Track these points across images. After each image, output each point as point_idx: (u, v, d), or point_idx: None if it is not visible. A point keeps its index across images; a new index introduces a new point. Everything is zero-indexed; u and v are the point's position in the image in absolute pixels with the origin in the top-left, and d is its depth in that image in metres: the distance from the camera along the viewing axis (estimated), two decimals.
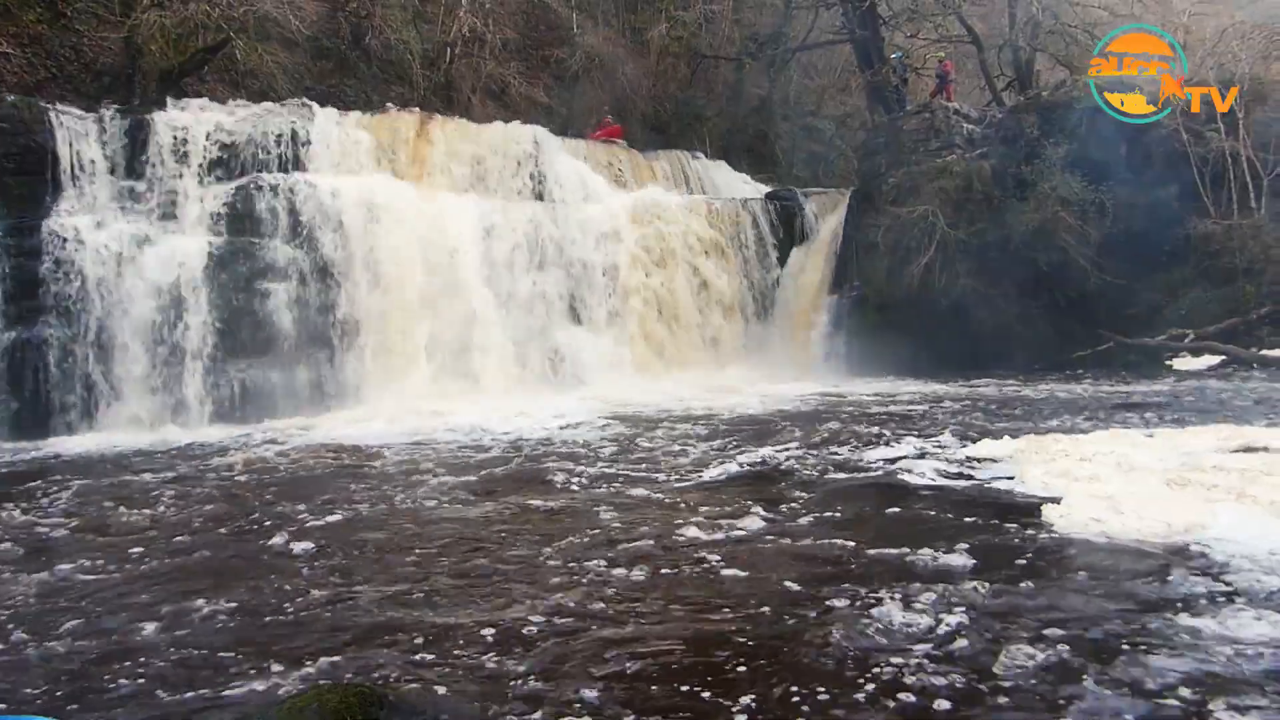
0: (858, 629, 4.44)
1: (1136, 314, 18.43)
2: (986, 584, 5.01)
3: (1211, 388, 14.51)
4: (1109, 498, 6.54)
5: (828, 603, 4.84)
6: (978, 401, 13.96)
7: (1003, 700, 3.72)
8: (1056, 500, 6.64)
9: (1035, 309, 18.27)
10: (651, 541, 6.21)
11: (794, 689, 3.87)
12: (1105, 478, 7.30)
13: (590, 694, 3.88)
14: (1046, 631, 4.32)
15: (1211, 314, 18.10)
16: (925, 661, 4.07)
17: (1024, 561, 5.49)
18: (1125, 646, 4.15)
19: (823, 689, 3.86)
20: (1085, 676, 3.87)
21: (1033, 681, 3.85)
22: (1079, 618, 4.51)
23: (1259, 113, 18.98)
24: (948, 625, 4.44)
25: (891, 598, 4.81)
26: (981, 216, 18.61)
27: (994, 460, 8.60)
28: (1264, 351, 17.34)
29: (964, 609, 4.63)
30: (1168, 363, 17.85)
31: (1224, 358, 17.38)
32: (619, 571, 5.56)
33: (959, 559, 5.52)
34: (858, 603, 4.80)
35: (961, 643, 4.23)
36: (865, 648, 4.25)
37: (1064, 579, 5.17)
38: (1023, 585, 5.01)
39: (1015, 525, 6.28)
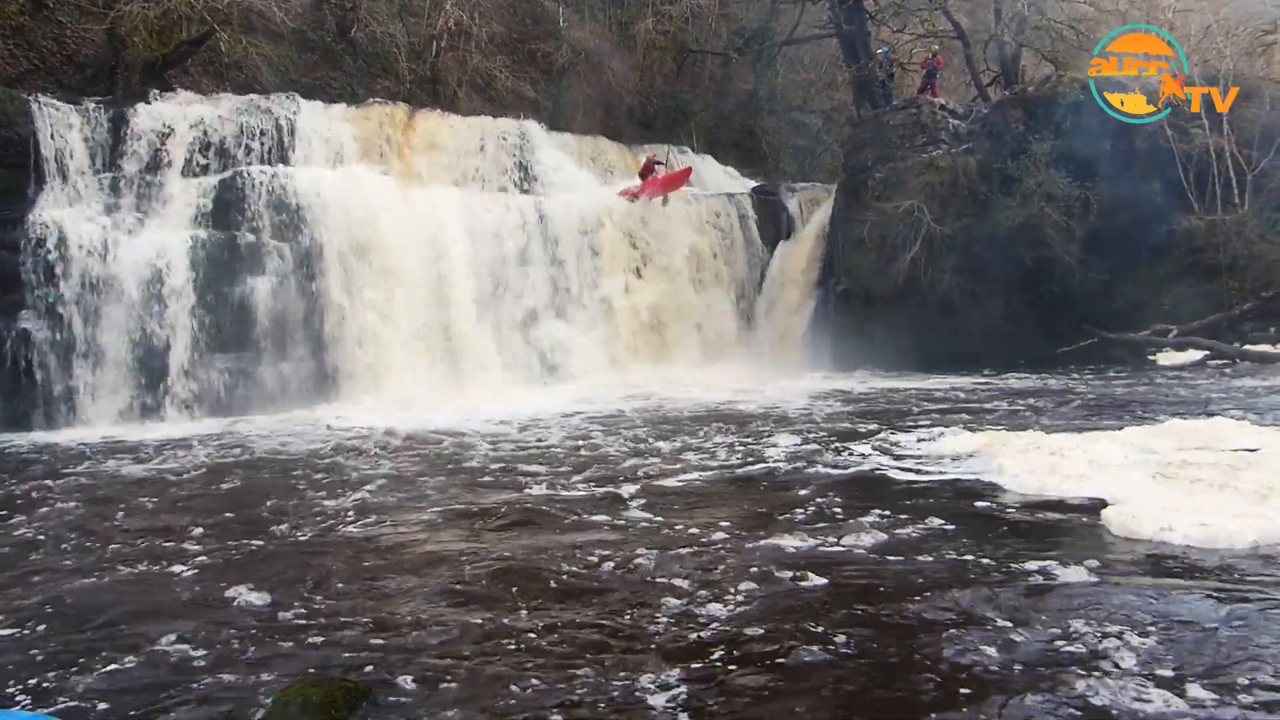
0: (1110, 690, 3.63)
1: (1121, 309, 18.55)
2: (1193, 627, 4.23)
3: (1191, 382, 14.60)
4: (1170, 502, 6.24)
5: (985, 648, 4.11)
6: (962, 397, 14.02)
7: None
8: (1105, 502, 6.43)
9: (1020, 304, 18.35)
10: (653, 549, 6.03)
11: None
12: (1091, 474, 7.32)
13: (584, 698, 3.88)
14: None
15: (1195, 309, 18.24)
16: None
17: (1158, 580, 4.88)
18: None
19: None
20: None
21: None
22: None
23: (1243, 109, 19.09)
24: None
25: (1068, 634, 4.18)
26: (967, 212, 18.66)
27: (961, 455, 8.64)
28: (1247, 346, 17.50)
29: (1195, 662, 3.87)
30: (1151, 358, 17.98)
31: (1207, 353, 17.52)
32: (647, 578, 5.29)
33: (1076, 573, 4.99)
34: (1051, 645, 4.11)
35: None
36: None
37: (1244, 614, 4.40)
38: (1208, 631, 4.19)
39: (1090, 531, 5.97)
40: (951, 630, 4.30)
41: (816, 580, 5.09)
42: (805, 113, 28.74)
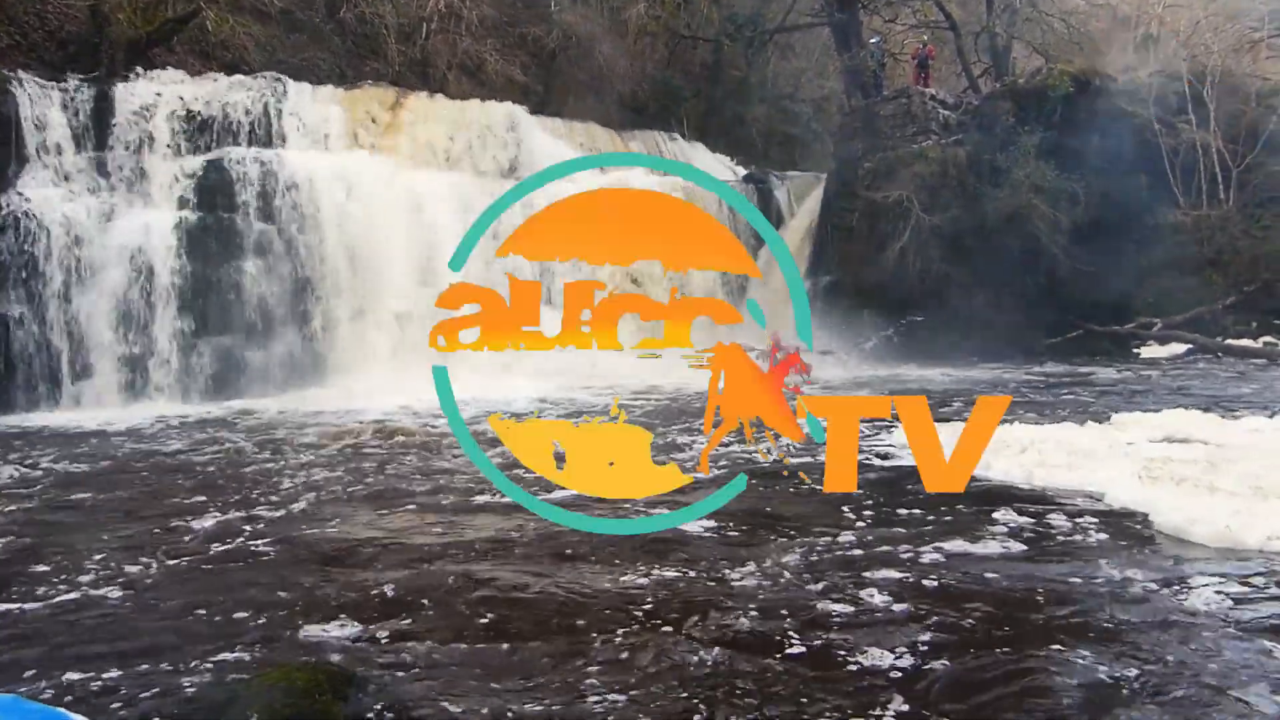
0: None
1: (1107, 302, 18.65)
2: None
3: (1173, 375, 14.70)
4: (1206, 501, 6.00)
5: None
6: (948, 386, 14.06)
7: None
8: (1102, 498, 6.38)
9: (1007, 295, 18.37)
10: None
11: None
12: (1077, 466, 7.35)
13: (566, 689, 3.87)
14: None
15: (1179, 303, 18.38)
16: None
17: None
18: None
19: None
20: None
21: None
22: None
23: (1230, 105, 19.19)
24: None
25: None
26: (956, 203, 18.68)
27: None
28: (1229, 340, 17.63)
29: None
30: (1135, 350, 18.10)
31: (1190, 346, 17.65)
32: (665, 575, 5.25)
33: (1223, 591, 4.51)
34: None
35: None
36: None
37: None
38: None
39: (1147, 536, 5.62)
40: (1148, 667, 3.75)
41: (931, 599, 4.61)
42: (796, 101, 28.70)
